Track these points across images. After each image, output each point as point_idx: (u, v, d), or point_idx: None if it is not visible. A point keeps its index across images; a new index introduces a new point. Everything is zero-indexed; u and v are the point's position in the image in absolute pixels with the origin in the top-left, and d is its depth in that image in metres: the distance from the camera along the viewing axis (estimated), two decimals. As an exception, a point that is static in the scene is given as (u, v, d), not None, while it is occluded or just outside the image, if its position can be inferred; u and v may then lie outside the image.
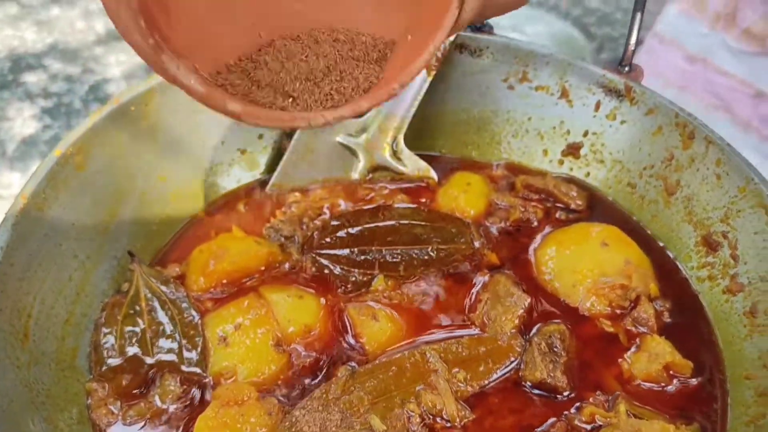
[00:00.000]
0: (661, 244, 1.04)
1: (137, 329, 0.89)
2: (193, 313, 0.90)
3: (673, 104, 1.02)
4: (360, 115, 0.64)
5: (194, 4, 0.59)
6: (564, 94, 1.12)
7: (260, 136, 1.14)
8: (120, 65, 2.77)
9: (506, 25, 2.14)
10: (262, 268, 0.98)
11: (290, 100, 0.62)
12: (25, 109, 2.60)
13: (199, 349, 0.87)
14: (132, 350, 0.87)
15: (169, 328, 0.89)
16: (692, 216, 1.01)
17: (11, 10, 3.06)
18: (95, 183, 0.94)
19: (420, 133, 1.17)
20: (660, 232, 1.05)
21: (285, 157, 1.11)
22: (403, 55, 0.65)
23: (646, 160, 1.06)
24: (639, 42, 1.04)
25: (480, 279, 0.98)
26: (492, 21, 1.14)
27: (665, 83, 1.80)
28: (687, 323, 0.94)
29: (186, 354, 0.87)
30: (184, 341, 0.88)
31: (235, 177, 1.12)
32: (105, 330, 0.89)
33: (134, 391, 0.84)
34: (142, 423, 0.81)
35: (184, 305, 0.91)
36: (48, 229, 0.86)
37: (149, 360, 0.86)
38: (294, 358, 0.88)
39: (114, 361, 0.86)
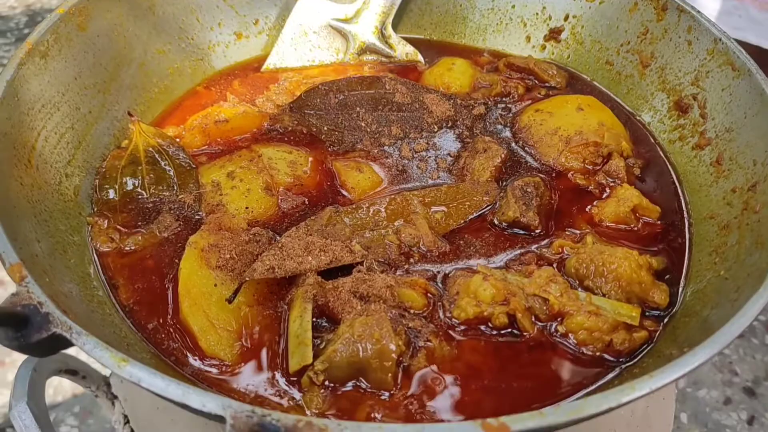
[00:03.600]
0: (636, 115, 1.09)
1: (137, 176, 0.94)
2: (189, 162, 0.96)
3: (648, -21, 1.07)
4: None
5: None
6: (546, -21, 1.16)
7: (256, 22, 1.20)
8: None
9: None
10: (255, 129, 1.03)
11: None
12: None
13: (193, 192, 0.92)
14: (132, 192, 0.92)
15: (166, 175, 0.95)
16: (665, 84, 1.05)
17: (28, -30, 3.16)
18: (96, 45, 0.99)
19: (408, 21, 1.23)
20: (635, 104, 1.10)
21: (280, 40, 1.16)
22: None
23: (623, 37, 1.11)
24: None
25: (459, 140, 1.03)
26: None
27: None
28: (656, 178, 0.99)
29: (181, 196, 0.92)
30: (180, 186, 0.93)
31: (231, 57, 1.17)
32: (107, 175, 0.94)
33: (132, 225, 0.89)
34: (139, 248, 0.87)
35: (181, 155, 0.96)
36: (51, 77, 0.91)
37: (148, 200, 0.92)
38: (282, 201, 0.93)
39: (114, 200, 0.91)
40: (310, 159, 0.99)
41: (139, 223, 0.89)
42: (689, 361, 0.62)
